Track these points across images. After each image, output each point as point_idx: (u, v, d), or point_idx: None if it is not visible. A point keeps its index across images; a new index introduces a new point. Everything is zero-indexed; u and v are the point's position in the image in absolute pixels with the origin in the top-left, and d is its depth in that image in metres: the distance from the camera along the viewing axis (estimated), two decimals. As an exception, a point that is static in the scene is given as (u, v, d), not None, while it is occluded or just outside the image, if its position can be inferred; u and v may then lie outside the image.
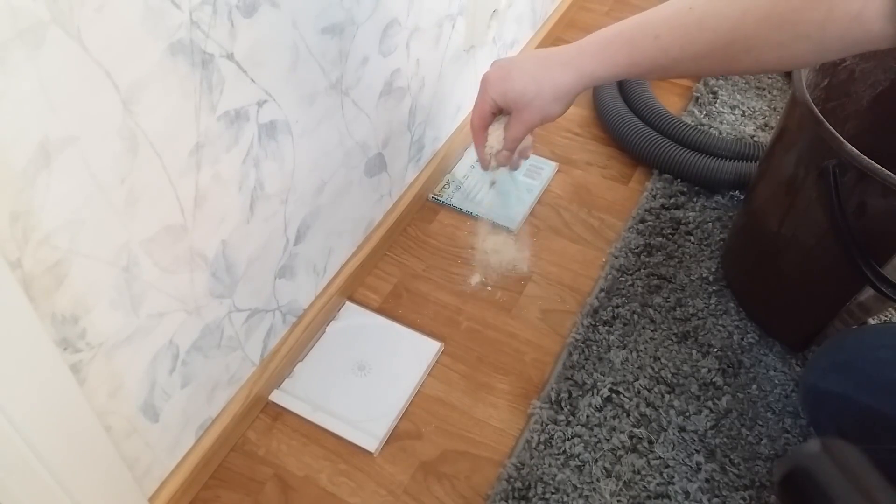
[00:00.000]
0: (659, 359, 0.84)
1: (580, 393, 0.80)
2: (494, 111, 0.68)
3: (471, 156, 1.08)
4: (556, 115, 0.66)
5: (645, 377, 0.82)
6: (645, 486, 0.73)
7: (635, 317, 0.88)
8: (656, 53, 0.59)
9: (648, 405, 0.79)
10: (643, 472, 0.74)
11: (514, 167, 0.73)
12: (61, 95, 0.42)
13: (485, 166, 0.72)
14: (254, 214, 0.65)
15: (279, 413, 0.79)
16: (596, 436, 0.77)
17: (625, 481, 0.73)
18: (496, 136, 0.69)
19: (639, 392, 0.81)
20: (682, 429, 0.78)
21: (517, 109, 0.66)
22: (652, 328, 0.87)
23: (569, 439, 0.76)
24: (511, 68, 0.65)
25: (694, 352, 0.85)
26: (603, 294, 0.90)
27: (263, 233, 0.68)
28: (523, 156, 0.74)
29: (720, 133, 1.12)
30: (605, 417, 0.78)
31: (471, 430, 0.79)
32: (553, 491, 0.72)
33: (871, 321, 0.82)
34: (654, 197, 1.02)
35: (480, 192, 1.03)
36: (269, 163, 0.64)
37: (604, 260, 0.95)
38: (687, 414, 0.79)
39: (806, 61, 0.58)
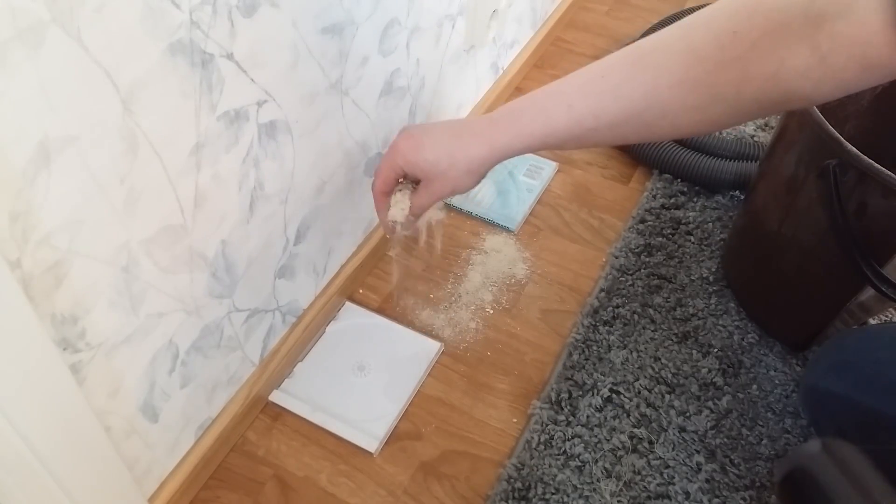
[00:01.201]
0: (659, 359, 0.84)
1: (580, 393, 0.80)
2: (399, 177, 0.65)
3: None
4: (468, 188, 0.64)
5: (645, 377, 0.82)
6: (645, 487, 0.73)
7: (635, 317, 0.88)
8: (570, 123, 0.58)
9: (649, 405, 0.79)
10: (643, 473, 0.74)
11: (413, 233, 0.71)
12: (61, 95, 0.42)
13: (388, 232, 0.69)
14: (253, 214, 0.65)
15: (279, 413, 0.79)
16: (596, 436, 0.77)
17: (625, 482, 0.73)
18: (400, 205, 0.65)
19: (639, 392, 0.80)
20: (682, 429, 0.77)
21: (428, 180, 0.64)
22: (652, 328, 0.87)
23: (569, 439, 0.76)
24: (423, 138, 0.63)
25: (694, 352, 0.85)
26: (603, 294, 0.90)
27: (263, 233, 0.68)
28: (405, 229, 0.70)
29: (720, 133, 1.12)
30: (606, 418, 0.78)
31: (471, 430, 0.79)
32: (553, 491, 0.72)
33: (872, 321, 0.82)
34: (654, 197, 1.02)
35: (480, 192, 1.03)
36: (269, 163, 0.64)
37: (604, 260, 0.95)
38: (687, 414, 0.79)
39: (722, 124, 0.56)
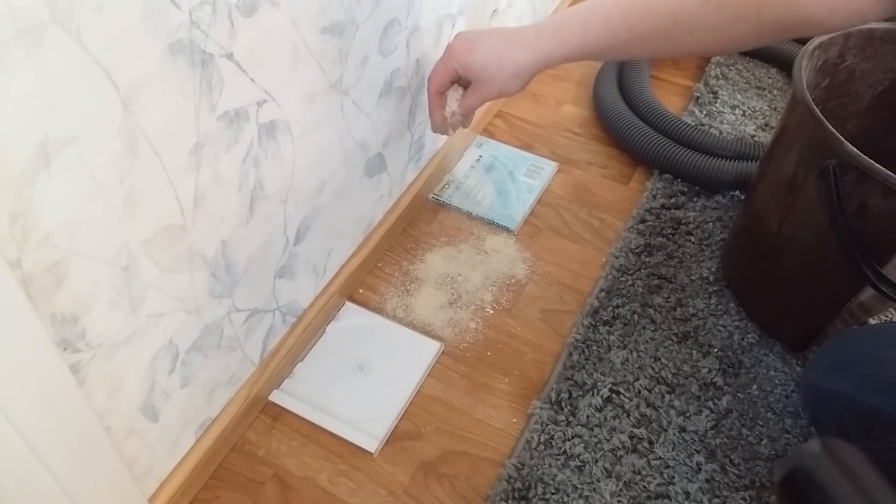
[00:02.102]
0: (659, 359, 0.84)
1: (580, 393, 0.80)
2: (454, 80, 0.73)
3: (471, 156, 1.08)
4: (514, 92, 0.71)
5: (645, 377, 0.82)
6: (645, 487, 0.73)
7: (635, 317, 0.88)
8: (606, 35, 0.64)
9: (649, 405, 0.79)
10: (643, 473, 0.74)
11: (466, 125, 0.79)
12: (61, 95, 0.42)
13: (439, 129, 0.78)
14: (253, 214, 0.65)
15: (279, 413, 0.79)
16: (596, 436, 0.77)
17: (625, 482, 0.73)
18: (453, 103, 0.74)
19: (639, 392, 0.80)
20: (682, 429, 0.77)
21: (477, 82, 0.71)
22: (652, 328, 0.87)
23: (569, 439, 0.76)
24: (476, 43, 0.69)
25: (694, 352, 0.84)
26: (603, 294, 0.90)
27: (263, 233, 0.68)
28: (465, 125, 0.80)
29: (720, 133, 1.12)
30: (606, 418, 0.78)
31: (471, 430, 0.79)
32: (553, 491, 0.72)
33: (872, 321, 0.82)
34: (654, 197, 1.02)
35: (480, 192, 1.03)
36: (269, 163, 0.64)
37: (604, 260, 0.95)
38: (687, 414, 0.79)
39: (745, 43, 0.62)
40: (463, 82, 0.73)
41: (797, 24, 0.56)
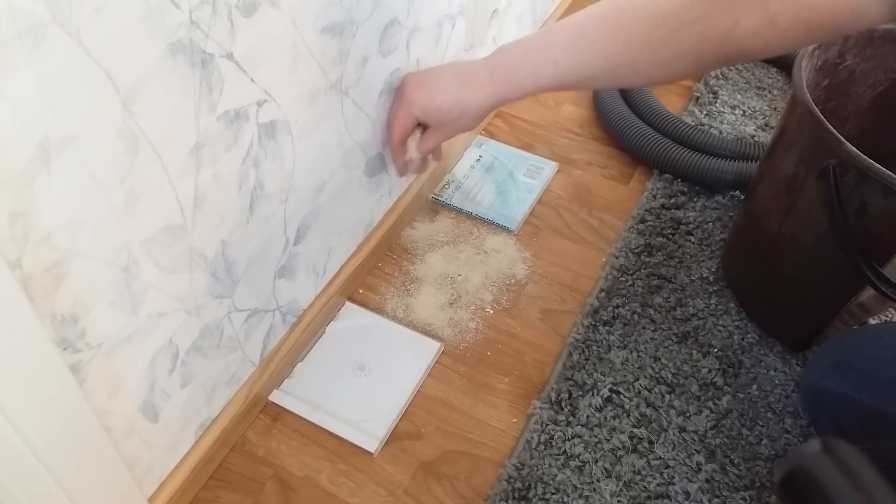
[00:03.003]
0: (659, 359, 0.84)
1: (580, 393, 0.80)
2: (415, 126, 0.75)
3: (471, 156, 1.08)
4: (472, 129, 0.75)
5: (645, 377, 0.82)
6: (645, 487, 0.73)
7: (635, 317, 0.88)
8: (556, 76, 0.67)
9: (649, 405, 0.79)
10: (643, 473, 0.74)
11: (424, 168, 0.83)
12: (61, 95, 0.42)
13: (403, 173, 0.82)
14: (253, 214, 0.65)
15: (279, 413, 0.79)
16: (596, 436, 0.77)
17: (625, 482, 0.73)
18: (412, 143, 0.76)
19: (639, 392, 0.80)
20: (682, 429, 0.77)
21: (438, 125, 0.74)
22: (652, 328, 0.87)
23: (569, 439, 0.76)
24: (433, 88, 0.72)
25: (694, 352, 0.84)
26: (603, 294, 0.90)
27: (263, 233, 0.68)
28: (436, 158, 0.83)
29: (720, 133, 1.12)
30: (606, 418, 0.78)
31: (471, 430, 0.79)
32: (553, 491, 0.72)
33: (872, 321, 0.82)
34: (654, 197, 1.02)
35: (480, 192, 1.03)
36: (269, 163, 0.64)
37: (604, 260, 0.95)
38: (687, 414, 0.79)
39: (688, 74, 0.67)
40: (423, 123, 0.76)
41: (735, 54, 0.59)
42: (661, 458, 0.75)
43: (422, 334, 0.86)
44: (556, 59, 0.66)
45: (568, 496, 0.72)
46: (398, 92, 0.76)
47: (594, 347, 0.85)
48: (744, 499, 0.72)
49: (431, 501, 0.73)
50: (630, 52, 0.63)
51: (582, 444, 0.76)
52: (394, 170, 0.91)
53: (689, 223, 0.99)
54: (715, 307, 0.89)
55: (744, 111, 1.17)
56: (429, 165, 0.82)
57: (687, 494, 0.73)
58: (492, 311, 0.89)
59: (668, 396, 0.80)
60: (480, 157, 1.08)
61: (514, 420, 0.79)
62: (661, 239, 0.97)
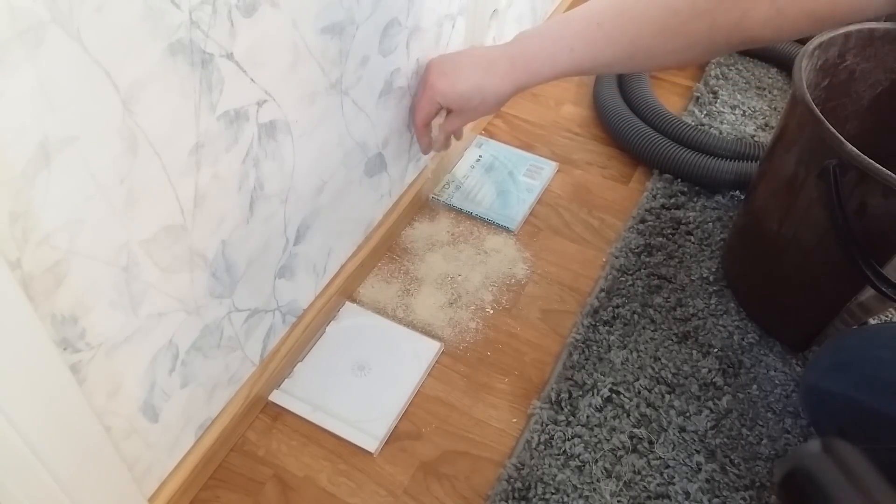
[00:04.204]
0: (659, 359, 0.84)
1: (580, 393, 0.80)
2: (438, 111, 0.79)
3: (471, 156, 1.08)
4: (493, 113, 0.84)
5: (645, 377, 0.82)
6: (645, 487, 0.73)
7: (635, 317, 0.88)
8: (573, 64, 0.70)
9: (649, 405, 0.79)
10: (643, 473, 0.74)
11: (447, 146, 0.88)
12: (61, 95, 0.42)
13: (428, 151, 0.86)
14: (253, 214, 0.65)
15: (279, 413, 0.79)
16: (596, 436, 0.77)
17: (625, 482, 0.73)
18: (436, 124, 0.81)
19: (639, 392, 0.80)
20: (682, 429, 0.77)
21: (461, 110, 0.78)
22: (652, 328, 0.87)
23: (569, 439, 0.76)
24: (455, 75, 0.76)
25: (694, 352, 0.84)
26: (603, 294, 0.90)
27: (263, 233, 0.68)
28: (458, 137, 0.88)
29: (720, 133, 1.12)
30: (606, 418, 0.78)
31: (471, 430, 0.79)
32: (553, 491, 0.72)
33: (872, 321, 0.82)
34: (654, 197, 1.02)
35: (480, 192, 1.03)
36: (269, 163, 0.64)
37: (604, 260, 0.95)
38: (687, 414, 0.79)
39: (701, 60, 0.74)
40: (445, 108, 0.80)
41: (745, 41, 0.62)
42: (661, 458, 0.75)
43: (422, 334, 0.86)
44: (572, 47, 0.69)
45: (568, 496, 0.72)
46: (422, 78, 0.79)
47: (594, 347, 0.85)
48: (744, 499, 0.72)
49: (431, 501, 0.73)
50: (643, 40, 0.65)
51: (582, 444, 0.76)
52: (395, 168, 0.91)
53: (689, 223, 0.99)
54: (715, 307, 0.89)
55: (744, 111, 1.17)
56: (451, 144, 0.87)
57: (687, 494, 0.73)
58: (492, 311, 0.89)
59: (668, 396, 0.80)
60: (480, 157, 1.08)
61: (514, 420, 0.79)
62: (661, 239, 0.97)
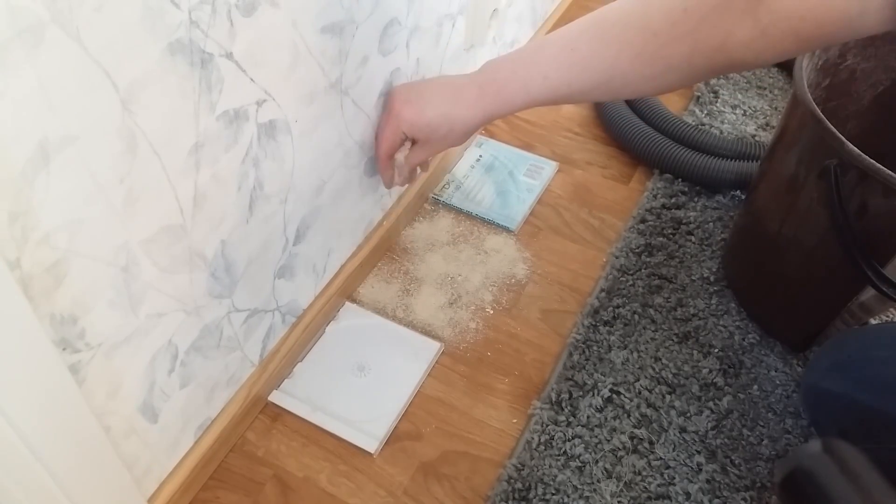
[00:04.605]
0: (660, 359, 0.84)
1: (581, 393, 0.80)
2: (402, 141, 0.75)
3: (471, 156, 1.08)
4: (460, 144, 0.75)
5: (646, 378, 0.82)
6: (646, 487, 0.73)
7: (636, 317, 0.88)
8: (546, 92, 0.67)
9: (649, 406, 0.79)
10: (644, 473, 0.74)
11: (413, 179, 0.82)
12: (60, 95, 0.42)
13: (391, 185, 0.81)
14: (253, 214, 0.65)
15: (278, 414, 0.79)
16: (596, 436, 0.77)
17: (625, 482, 0.73)
18: (400, 156, 0.76)
19: (639, 392, 0.80)
20: (682, 429, 0.77)
21: (426, 140, 0.73)
22: (653, 328, 0.87)
23: (569, 440, 0.76)
24: (422, 104, 0.72)
25: (695, 352, 0.84)
26: (603, 294, 0.90)
27: (263, 233, 0.68)
28: (423, 170, 0.83)
29: (721, 132, 1.12)
30: (606, 418, 0.78)
31: (471, 430, 0.78)
32: (553, 492, 0.72)
33: (873, 321, 0.82)
34: (654, 197, 1.02)
35: (480, 192, 1.03)
36: (269, 162, 0.64)
37: (604, 260, 0.95)
38: (688, 414, 0.79)
39: (679, 86, 0.66)
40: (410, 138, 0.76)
41: (727, 66, 0.58)
42: (661, 458, 0.75)
43: (422, 334, 0.86)
44: (545, 73, 0.66)
45: (568, 497, 0.72)
46: (385, 106, 0.75)
47: (594, 347, 0.84)
48: (744, 499, 0.72)
49: (431, 502, 0.73)
50: (620, 65, 0.62)
51: (582, 445, 0.76)
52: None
53: (690, 223, 0.99)
54: (715, 307, 0.89)
55: (744, 111, 1.16)
56: (416, 178, 0.83)
57: (687, 495, 0.73)
58: (492, 311, 0.89)
59: (668, 397, 0.80)
60: (480, 156, 1.08)
61: (515, 420, 0.79)
62: (661, 239, 0.97)
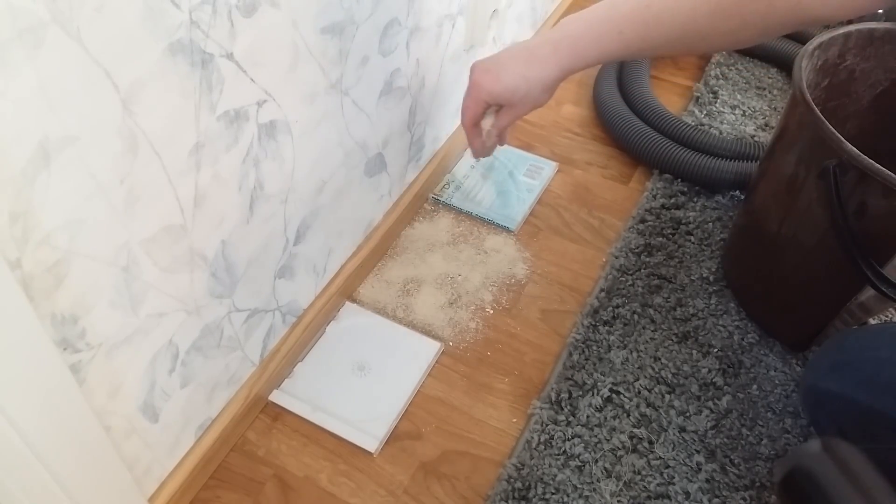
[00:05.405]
0: (659, 359, 0.84)
1: (580, 393, 0.80)
2: (485, 110, 0.77)
3: (471, 156, 1.08)
4: (545, 103, 0.75)
5: (645, 377, 0.82)
6: (645, 487, 0.73)
7: (635, 317, 0.88)
8: (620, 47, 0.68)
9: (649, 405, 0.79)
10: (643, 473, 0.74)
11: (503, 143, 0.84)
12: (61, 95, 0.42)
13: (480, 154, 0.82)
14: (253, 214, 0.65)
15: (279, 413, 0.79)
16: (596, 436, 0.77)
17: (625, 482, 0.73)
18: (487, 123, 0.78)
19: (639, 392, 0.80)
20: (682, 429, 0.77)
21: (510, 105, 0.75)
22: (652, 328, 0.87)
23: (569, 439, 0.76)
24: (498, 71, 0.73)
25: (694, 352, 0.84)
26: (603, 294, 0.90)
27: (263, 233, 0.68)
28: (502, 142, 0.84)
29: (720, 133, 1.12)
30: (606, 418, 0.78)
31: (471, 430, 0.79)
32: (553, 491, 0.72)
33: (872, 321, 0.82)
34: (654, 197, 1.02)
35: (480, 192, 1.03)
36: (269, 163, 0.64)
37: (604, 260, 0.95)
38: (687, 414, 0.79)
39: (753, 42, 0.67)
40: (493, 105, 0.77)
41: (802, 22, 0.60)
42: (661, 458, 0.75)
43: (422, 334, 0.86)
44: (620, 29, 0.67)
45: (568, 496, 0.72)
46: (469, 80, 0.77)
47: (594, 347, 0.85)
48: (744, 499, 0.72)
49: (431, 501, 0.73)
50: (696, 22, 0.63)
51: (582, 444, 0.76)
52: (395, 168, 0.91)
53: (689, 223, 0.99)
54: (715, 307, 0.89)
55: (744, 111, 1.17)
56: (504, 144, 0.85)
57: (687, 494, 0.73)
58: (492, 311, 0.89)
59: (668, 396, 0.80)
60: (480, 157, 1.08)
61: (514, 420, 0.79)
62: (661, 239, 0.97)
